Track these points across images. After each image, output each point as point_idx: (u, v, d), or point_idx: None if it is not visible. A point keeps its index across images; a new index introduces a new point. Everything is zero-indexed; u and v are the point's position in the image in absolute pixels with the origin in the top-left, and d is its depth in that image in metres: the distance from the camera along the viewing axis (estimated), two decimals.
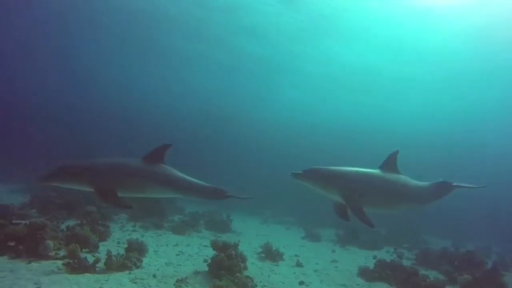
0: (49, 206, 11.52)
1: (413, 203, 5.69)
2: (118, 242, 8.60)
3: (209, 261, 7.17)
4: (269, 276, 7.42)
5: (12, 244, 6.59)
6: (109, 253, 7.07)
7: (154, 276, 6.43)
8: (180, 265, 7.42)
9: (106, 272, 6.24)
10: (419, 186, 5.67)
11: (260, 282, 6.80)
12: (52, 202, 11.74)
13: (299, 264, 8.62)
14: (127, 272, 6.42)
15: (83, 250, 7.01)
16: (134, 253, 6.99)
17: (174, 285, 6.13)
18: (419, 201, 5.70)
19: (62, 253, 6.76)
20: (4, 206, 7.04)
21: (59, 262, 6.27)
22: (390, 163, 5.45)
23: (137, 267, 6.72)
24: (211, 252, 8.40)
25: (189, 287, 6.14)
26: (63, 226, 8.07)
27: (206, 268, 6.99)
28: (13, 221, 7.09)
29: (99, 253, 7.32)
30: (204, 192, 5.39)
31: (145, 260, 7.18)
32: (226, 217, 13.44)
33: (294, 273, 7.93)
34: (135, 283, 5.97)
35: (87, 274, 5.98)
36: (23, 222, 7.27)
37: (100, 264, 6.32)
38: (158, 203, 13.30)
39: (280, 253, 9.08)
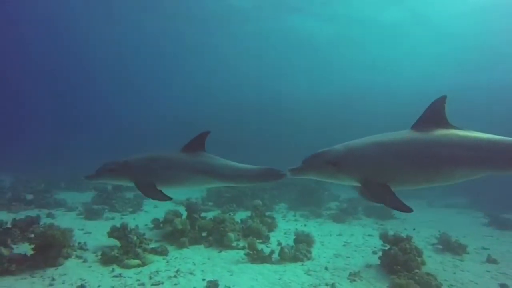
0: (221, 199, 13.26)
1: (484, 166, 3.52)
2: (285, 233, 9.14)
3: (379, 253, 6.82)
4: (454, 273, 6.53)
5: (204, 234, 7.82)
6: (280, 244, 7.62)
7: (326, 268, 6.51)
8: (349, 257, 7.32)
9: (281, 263, 6.66)
10: (493, 140, 3.53)
11: (445, 280, 6.04)
12: (223, 196, 13.47)
13: (491, 260, 7.26)
14: (299, 263, 6.71)
15: (258, 241, 7.69)
16: (303, 244, 7.26)
17: (348, 278, 6.06)
18: (493, 164, 3.51)
19: (241, 243, 7.61)
20: (193, 203, 8.39)
21: (241, 252, 7.06)
22: (432, 116, 3.64)
23: (308, 259, 6.95)
24: (377, 242, 8.05)
25: (363, 281, 5.95)
26: (237, 218, 9.04)
27: (378, 261, 6.67)
28: (201, 215, 8.37)
29: (271, 243, 7.95)
30: (254, 176, 4.87)
31: (314, 251, 7.37)
32: None
33: (488, 271, 6.72)
34: (310, 275, 6.17)
35: (266, 265, 6.52)
36: (208, 216, 8.54)
37: (275, 255, 6.80)
38: (314, 191, 13.64)
39: (461, 245, 7.89)
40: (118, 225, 6.84)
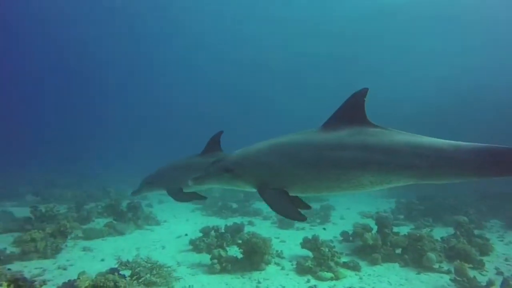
0: (413, 212, 12.00)
1: (401, 174, 2.82)
2: (506, 259, 7.32)
3: None
4: None
5: (399, 252, 7.19)
6: (501, 274, 6.20)
7: None
8: None
9: None
10: (412, 144, 2.79)
11: None
12: (415, 209, 12.16)
13: None
14: None
15: (467, 266, 6.45)
16: None
17: None
18: (411, 171, 2.78)
19: (445, 266, 6.58)
20: (384, 217, 7.84)
21: (446, 277, 6.09)
22: (348, 112, 3.06)
23: None
24: None
25: None
26: (435, 236, 7.90)
27: None
28: (393, 230, 7.74)
29: (486, 271, 6.52)
30: None
31: None
32: None
33: None
34: None
35: None
36: (399, 231, 7.80)
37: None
38: None
39: None
40: (309, 236, 7.12)
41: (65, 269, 6.30)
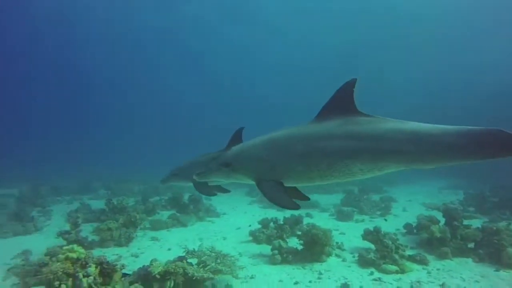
0: (486, 204, 11.06)
1: (391, 160, 2.89)
2: None
3: None
4: None
5: (471, 246, 6.69)
6: None
7: None
8: None
9: None
10: (400, 130, 2.86)
11: None
12: (488, 200, 11.21)
13: None
14: None
15: None
16: None
17: None
18: (401, 157, 2.86)
19: None
20: (453, 208, 7.32)
21: None
22: (338, 103, 3.15)
23: None
24: None
25: None
26: None
27: None
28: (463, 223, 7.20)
29: None
30: None
31: None
32: None
33: None
34: None
35: None
36: (471, 224, 7.24)
37: None
38: None
39: None
40: (370, 228, 6.90)
41: (137, 256, 6.82)
